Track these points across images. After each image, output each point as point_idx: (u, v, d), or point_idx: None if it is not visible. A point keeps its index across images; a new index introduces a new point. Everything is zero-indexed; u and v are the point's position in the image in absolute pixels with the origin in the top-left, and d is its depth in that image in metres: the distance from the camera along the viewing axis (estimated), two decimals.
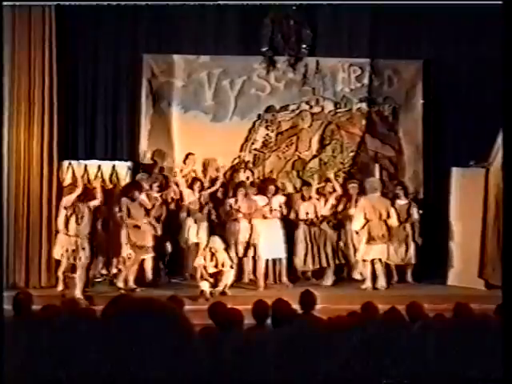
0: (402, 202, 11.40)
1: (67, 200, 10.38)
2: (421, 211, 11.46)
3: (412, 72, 12.17)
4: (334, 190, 11.37)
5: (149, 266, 10.84)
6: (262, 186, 11.51)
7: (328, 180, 11.63)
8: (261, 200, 11.21)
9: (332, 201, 11.26)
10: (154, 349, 2.89)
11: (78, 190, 10.43)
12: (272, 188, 11.35)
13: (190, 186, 11.35)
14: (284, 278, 11.12)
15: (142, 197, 10.83)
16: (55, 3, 10.65)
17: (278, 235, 11.07)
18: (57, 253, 10.40)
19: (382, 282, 11.04)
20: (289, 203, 11.43)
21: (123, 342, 2.89)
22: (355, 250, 11.27)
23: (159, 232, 10.80)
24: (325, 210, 11.23)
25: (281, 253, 11.10)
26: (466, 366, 4.99)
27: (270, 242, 11.02)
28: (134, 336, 2.90)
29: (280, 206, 11.17)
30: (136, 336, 2.89)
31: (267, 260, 11.07)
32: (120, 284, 10.50)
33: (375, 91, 12.17)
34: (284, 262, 11.17)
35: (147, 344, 2.89)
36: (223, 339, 5.15)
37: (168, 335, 2.94)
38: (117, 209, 10.72)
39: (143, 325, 2.91)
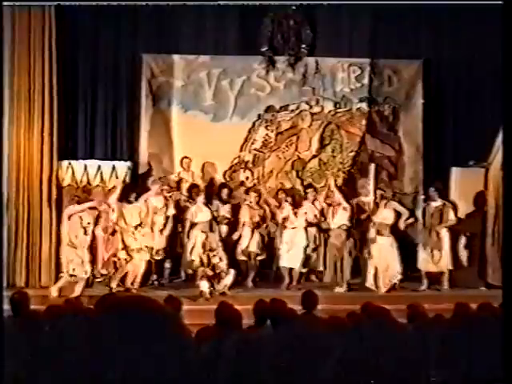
0: (435, 203, 10.93)
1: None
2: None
3: (412, 72, 12.17)
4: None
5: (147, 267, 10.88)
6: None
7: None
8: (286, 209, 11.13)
9: (342, 213, 10.90)
10: (146, 346, 2.89)
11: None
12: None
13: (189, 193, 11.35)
14: (294, 283, 10.95)
15: (151, 199, 10.85)
16: (55, 3, 10.64)
17: (299, 245, 10.95)
18: None
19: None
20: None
21: (110, 338, 2.89)
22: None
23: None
24: (335, 222, 10.89)
25: (297, 263, 10.96)
26: (467, 366, 4.99)
27: (289, 250, 10.94)
28: (121, 333, 2.89)
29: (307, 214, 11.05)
30: (124, 333, 2.89)
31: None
32: (113, 284, 10.52)
33: (375, 91, 12.16)
34: (297, 269, 11.02)
35: (138, 342, 2.88)
36: (225, 339, 5.15)
37: (158, 333, 2.93)
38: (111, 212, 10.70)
39: (129, 322, 2.90)
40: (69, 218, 10.01)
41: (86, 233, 9.98)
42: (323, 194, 11.39)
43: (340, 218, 10.90)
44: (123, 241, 10.58)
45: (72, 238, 9.95)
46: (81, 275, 9.93)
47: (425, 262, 10.93)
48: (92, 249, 10.21)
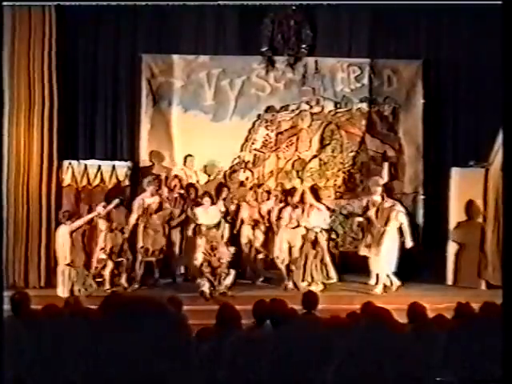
0: (387, 204, 10.78)
1: None
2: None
3: (412, 72, 12.17)
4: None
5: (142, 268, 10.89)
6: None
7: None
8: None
9: (316, 215, 10.81)
10: (149, 345, 2.89)
11: None
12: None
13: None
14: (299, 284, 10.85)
15: (147, 200, 10.85)
16: (55, 3, 10.65)
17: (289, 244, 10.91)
18: None
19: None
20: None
21: (114, 338, 2.89)
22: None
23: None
24: (309, 223, 10.76)
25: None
26: (466, 366, 4.99)
27: (284, 250, 10.92)
28: (125, 333, 2.89)
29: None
30: (128, 333, 2.89)
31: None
32: (123, 284, 10.59)
33: (375, 91, 12.17)
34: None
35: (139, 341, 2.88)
36: (225, 339, 5.15)
37: (162, 333, 2.93)
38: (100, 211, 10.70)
39: (133, 322, 2.90)
40: (70, 235, 9.99)
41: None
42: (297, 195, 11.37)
43: (314, 220, 10.82)
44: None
45: (74, 256, 9.97)
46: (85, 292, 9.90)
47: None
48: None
